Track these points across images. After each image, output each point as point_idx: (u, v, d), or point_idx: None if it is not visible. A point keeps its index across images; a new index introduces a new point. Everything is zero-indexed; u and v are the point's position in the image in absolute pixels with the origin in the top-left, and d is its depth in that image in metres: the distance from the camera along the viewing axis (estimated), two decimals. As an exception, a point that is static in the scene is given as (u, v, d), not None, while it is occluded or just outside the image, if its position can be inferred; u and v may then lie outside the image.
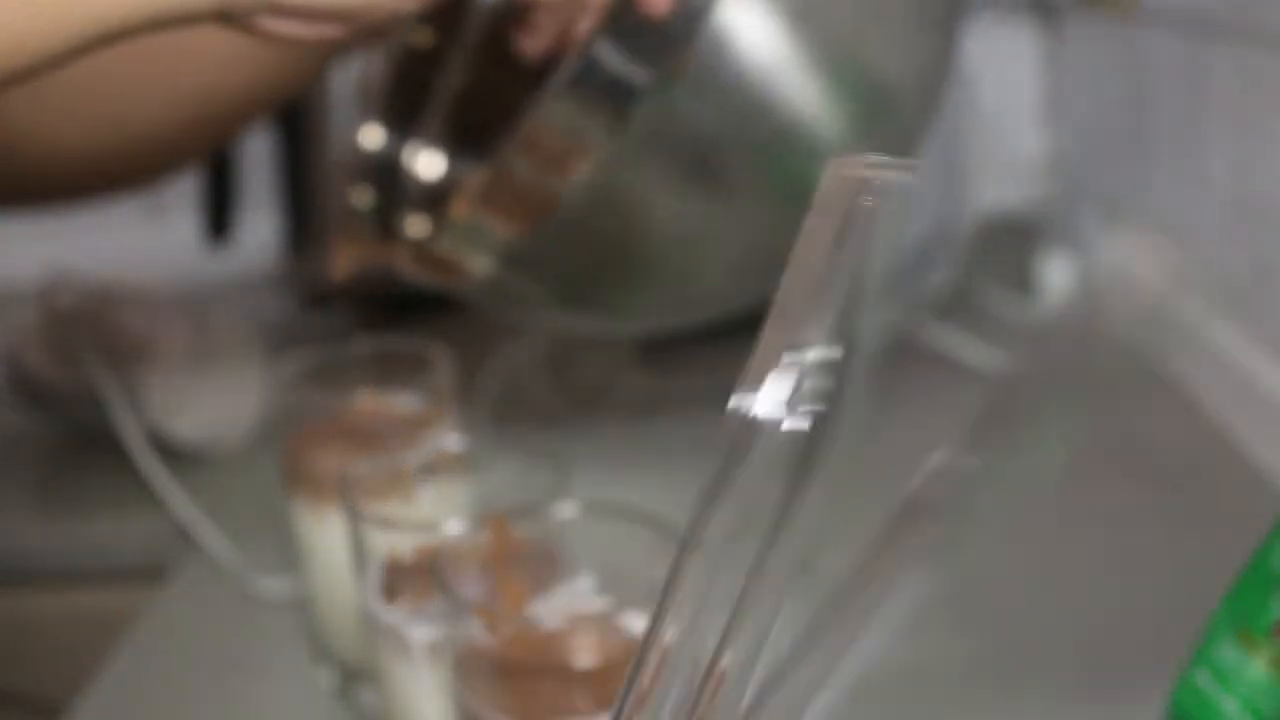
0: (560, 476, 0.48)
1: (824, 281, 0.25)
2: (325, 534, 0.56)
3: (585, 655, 0.40)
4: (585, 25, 0.49)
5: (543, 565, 0.44)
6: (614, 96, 0.46)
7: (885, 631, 0.51)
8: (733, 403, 0.26)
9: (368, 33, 0.44)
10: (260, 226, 1.09)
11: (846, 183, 0.24)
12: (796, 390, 0.27)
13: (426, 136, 0.62)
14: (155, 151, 0.57)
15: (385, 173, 0.61)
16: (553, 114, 0.47)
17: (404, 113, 0.62)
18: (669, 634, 0.26)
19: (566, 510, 0.45)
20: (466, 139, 0.61)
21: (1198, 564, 0.57)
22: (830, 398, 0.25)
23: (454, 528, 0.45)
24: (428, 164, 0.62)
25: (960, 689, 0.55)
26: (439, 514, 0.48)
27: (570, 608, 0.42)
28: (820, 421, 0.25)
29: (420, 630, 0.46)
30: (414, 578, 0.47)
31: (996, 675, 0.55)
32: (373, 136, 0.61)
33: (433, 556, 0.44)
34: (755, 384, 0.26)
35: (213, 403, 0.81)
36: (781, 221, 0.41)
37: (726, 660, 0.26)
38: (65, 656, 0.72)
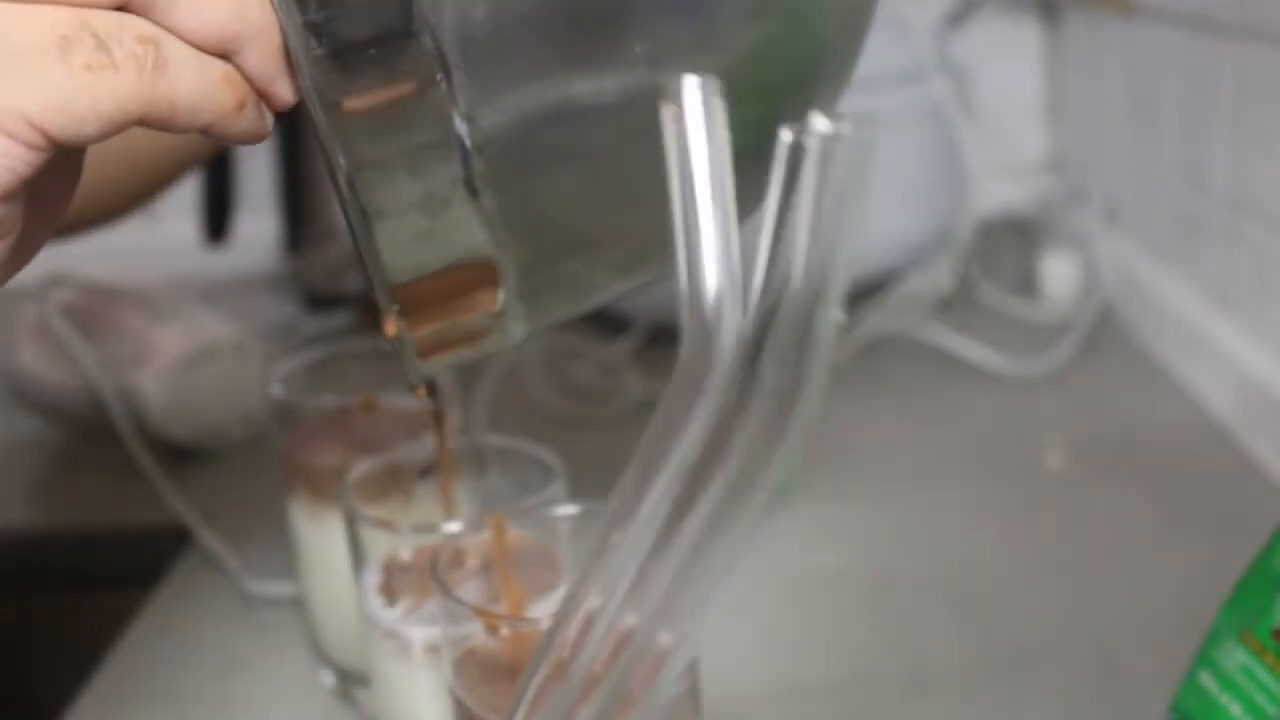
0: (559, 477, 0.48)
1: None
2: (324, 534, 0.56)
3: (585, 656, 0.40)
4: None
5: (543, 565, 0.44)
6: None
7: (884, 630, 0.51)
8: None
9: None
10: (259, 227, 1.09)
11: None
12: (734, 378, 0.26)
13: None
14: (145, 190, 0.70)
15: None
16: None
17: None
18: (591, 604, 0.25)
19: (566, 510, 0.45)
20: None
21: (1200, 565, 0.56)
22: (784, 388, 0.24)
23: (454, 528, 0.45)
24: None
25: (961, 689, 0.54)
26: (439, 514, 0.48)
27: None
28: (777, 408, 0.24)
29: (419, 631, 0.46)
30: (413, 578, 0.47)
31: (998, 676, 0.55)
32: None
33: (432, 557, 0.43)
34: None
35: (212, 403, 0.81)
36: None
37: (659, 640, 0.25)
38: (65, 656, 0.71)
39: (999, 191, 1.04)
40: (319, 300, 1.06)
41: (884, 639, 0.58)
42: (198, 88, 0.32)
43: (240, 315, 0.93)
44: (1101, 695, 0.53)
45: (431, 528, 0.47)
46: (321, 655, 0.58)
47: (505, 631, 0.41)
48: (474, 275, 0.37)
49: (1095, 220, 0.96)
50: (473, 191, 0.35)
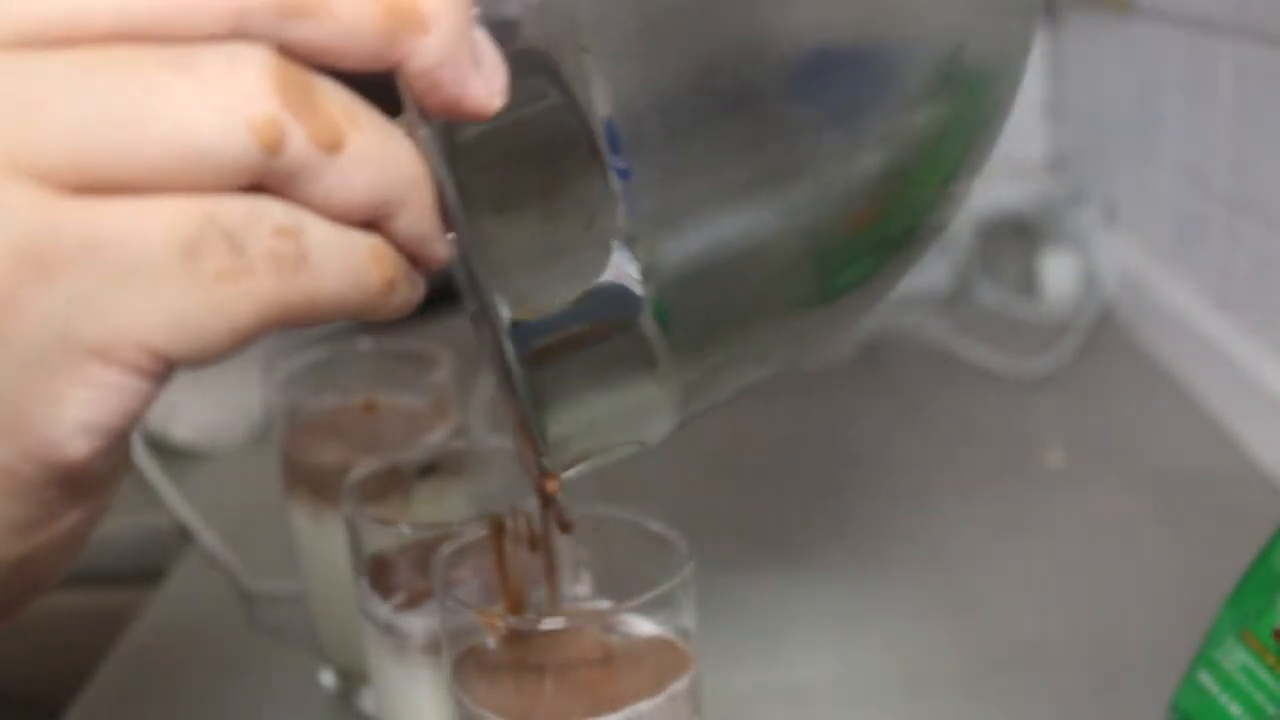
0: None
1: None
2: (325, 534, 0.56)
3: (585, 655, 0.40)
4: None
5: (543, 565, 0.44)
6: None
7: (884, 630, 0.51)
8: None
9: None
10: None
11: None
12: None
13: None
14: None
15: None
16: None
17: None
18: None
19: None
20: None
21: (1200, 565, 0.56)
22: None
23: (453, 528, 0.45)
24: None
25: (962, 689, 0.54)
26: (439, 514, 0.48)
27: (570, 608, 0.42)
28: None
29: (417, 628, 0.46)
30: (411, 576, 0.47)
31: (998, 676, 0.55)
32: None
33: (431, 556, 0.43)
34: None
35: (212, 403, 0.81)
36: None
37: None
38: (65, 656, 0.71)
39: (999, 191, 1.04)
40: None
41: (884, 639, 0.58)
42: (343, 275, 0.26)
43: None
44: (1101, 695, 0.53)
45: (431, 528, 0.47)
46: (321, 655, 0.58)
47: (506, 631, 0.41)
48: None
49: (1095, 220, 0.96)
50: (641, 338, 0.32)
